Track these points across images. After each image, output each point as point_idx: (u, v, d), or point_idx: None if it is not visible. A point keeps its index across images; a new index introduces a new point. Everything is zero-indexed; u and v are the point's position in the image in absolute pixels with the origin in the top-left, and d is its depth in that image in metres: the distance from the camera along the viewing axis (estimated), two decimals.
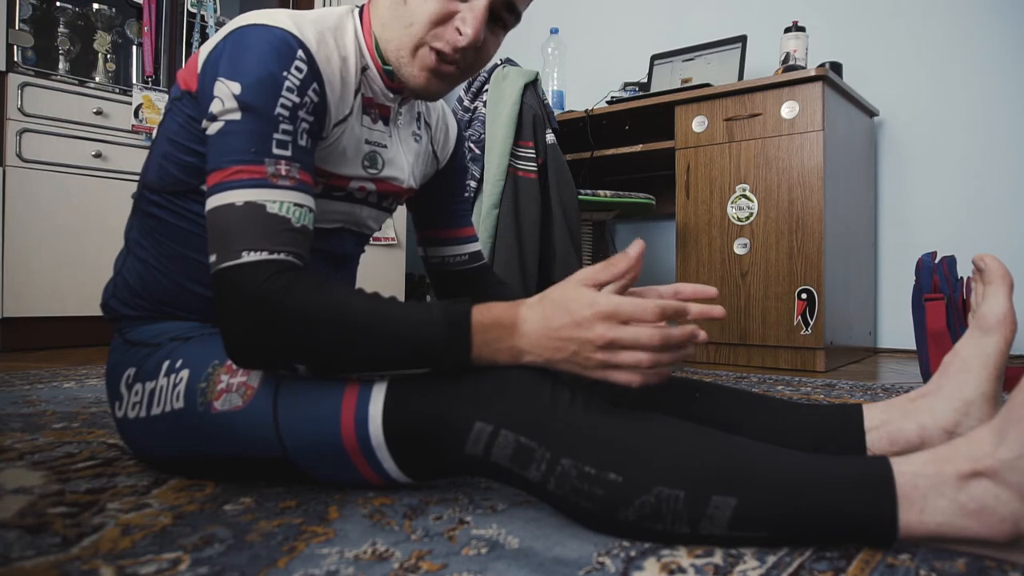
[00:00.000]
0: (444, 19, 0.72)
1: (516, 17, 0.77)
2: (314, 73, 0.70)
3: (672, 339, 0.60)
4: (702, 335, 0.61)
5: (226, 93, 0.66)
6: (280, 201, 0.65)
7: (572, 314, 0.61)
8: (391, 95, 0.82)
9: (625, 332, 0.60)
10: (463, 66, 0.75)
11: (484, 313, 0.62)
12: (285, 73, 0.67)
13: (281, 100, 0.67)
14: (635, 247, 0.63)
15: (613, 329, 0.59)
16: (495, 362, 0.63)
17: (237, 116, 0.65)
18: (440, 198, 1.00)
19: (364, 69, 0.79)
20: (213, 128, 0.66)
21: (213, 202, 0.65)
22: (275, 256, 0.63)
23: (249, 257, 0.62)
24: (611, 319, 0.60)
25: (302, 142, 0.69)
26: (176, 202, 0.77)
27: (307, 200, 0.68)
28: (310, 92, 0.70)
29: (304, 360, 0.63)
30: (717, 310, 0.64)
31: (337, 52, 0.75)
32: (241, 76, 0.66)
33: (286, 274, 0.63)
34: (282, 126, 0.67)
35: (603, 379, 0.62)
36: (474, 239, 1.03)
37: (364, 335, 0.61)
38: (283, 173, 0.66)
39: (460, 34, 0.71)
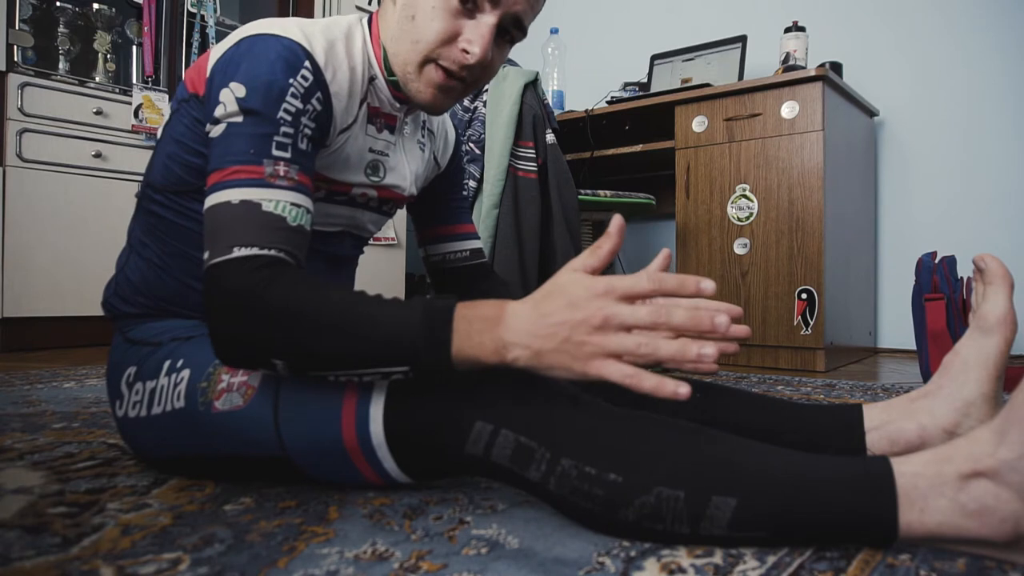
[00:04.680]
0: (451, 37, 0.72)
1: (523, 32, 0.77)
2: (319, 83, 0.71)
3: (676, 318, 0.53)
4: (720, 320, 0.54)
5: (230, 97, 0.66)
6: (276, 200, 0.65)
7: (565, 294, 0.55)
8: (397, 105, 0.82)
9: (623, 308, 0.53)
10: (469, 81, 0.76)
11: (469, 308, 0.58)
12: (291, 81, 0.68)
13: (284, 105, 0.67)
14: (614, 223, 0.56)
15: (610, 305, 0.53)
16: (478, 360, 0.57)
17: (239, 119, 0.66)
18: (439, 195, 1.00)
19: (372, 79, 0.79)
20: (216, 131, 0.67)
21: (210, 201, 0.65)
22: (265, 252, 0.63)
23: (239, 252, 0.62)
24: (607, 296, 0.54)
25: (302, 146, 0.69)
26: (179, 201, 0.77)
27: (304, 201, 0.68)
28: (313, 100, 0.70)
29: (281, 355, 0.60)
30: (741, 330, 0.57)
31: (346, 62, 0.75)
32: (247, 81, 0.67)
33: (271, 268, 0.62)
34: (283, 129, 0.67)
35: (598, 376, 0.54)
36: (475, 236, 1.03)
37: (339, 328, 0.58)
38: (281, 174, 0.66)
39: (467, 53, 0.72)
